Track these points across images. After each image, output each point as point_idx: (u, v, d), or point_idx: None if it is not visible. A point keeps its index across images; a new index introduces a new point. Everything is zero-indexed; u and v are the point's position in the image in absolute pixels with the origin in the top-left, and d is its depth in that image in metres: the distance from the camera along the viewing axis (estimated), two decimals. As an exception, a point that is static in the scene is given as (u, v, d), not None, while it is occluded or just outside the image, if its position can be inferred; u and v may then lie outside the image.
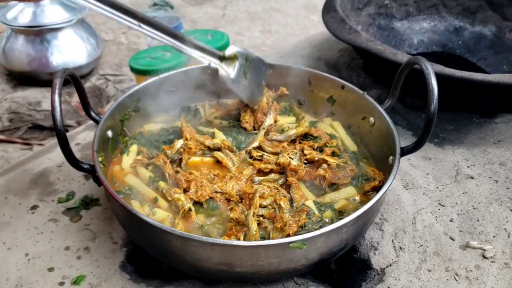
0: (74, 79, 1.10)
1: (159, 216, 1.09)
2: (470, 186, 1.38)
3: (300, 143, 1.30)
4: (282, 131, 1.34)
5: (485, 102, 1.61)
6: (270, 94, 1.45)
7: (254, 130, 1.37)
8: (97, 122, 1.21)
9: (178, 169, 1.21)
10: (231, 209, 1.11)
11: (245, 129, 1.37)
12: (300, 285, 1.10)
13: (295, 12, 4.04)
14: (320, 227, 1.07)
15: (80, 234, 1.21)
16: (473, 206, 1.31)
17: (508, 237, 1.22)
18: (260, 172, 1.22)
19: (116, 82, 2.97)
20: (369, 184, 1.19)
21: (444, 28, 2.05)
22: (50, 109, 0.94)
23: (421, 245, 1.20)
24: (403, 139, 1.52)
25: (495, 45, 1.96)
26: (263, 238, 1.05)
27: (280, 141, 1.30)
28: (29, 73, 2.71)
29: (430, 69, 1.06)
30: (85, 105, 1.20)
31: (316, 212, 1.11)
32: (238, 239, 1.03)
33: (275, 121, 1.37)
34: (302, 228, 1.06)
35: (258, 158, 1.25)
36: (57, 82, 0.96)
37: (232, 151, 1.27)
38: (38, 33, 2.61)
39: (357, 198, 1.19)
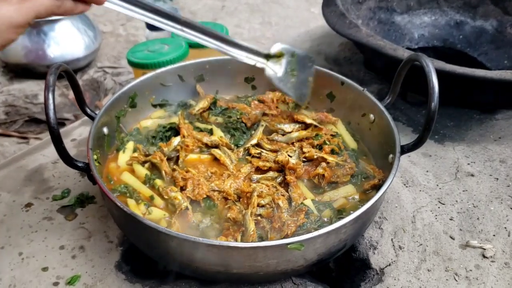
0: (68, 74, 1.07)
1: (155, 215, 1.08)
2: (471, 183, 1.36)
3: (299, 140, 1.28)
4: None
5: (486, 98, 1.60)
6: (290, 99, 1.43)
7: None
8: (92, 118, 1.19)
9: (175, 167, 1.19)
10: (229, 208, 1.09)
11: (245, 125, 1.34)
12: (298, 285, 1.08)
13: (295, 4, 4.02)
14: (319, 226, 1.06)
15: (75, 232, 1.19)
16: (473, 204, 1.30)
17: (508, 236, 1.21)
18: (259, 170, 1.21)
19: (114, 74, 2.95)
20: (368, 183, 1.18)
21: (445, 23, 2.03)
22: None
23: (421, 244, 1.18)
24: (403, 135, 1.50)
25: (496, 39, 1.94)
26: (261, 238, 1.03)
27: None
28: (26, 66, 2.69)
29: (431, 67, 1.04)
30: (80, 101, 1.18)
31: (315, 211, 1.09)
32: (236, 239, 1.01)
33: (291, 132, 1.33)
34: (300, 228, 1.04)
35: (257, 155, 1.23)
36: (51, 79, 0.94)
37: (230, 148, 1.26)
38: (34, 25, 2.58)
39: (357, 196, 1.17)
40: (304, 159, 1.22)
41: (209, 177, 1.17)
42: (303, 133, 1.29)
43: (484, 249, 1.17)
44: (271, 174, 1.19)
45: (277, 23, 3.70)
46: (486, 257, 1.15)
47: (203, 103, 1.37)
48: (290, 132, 1.30)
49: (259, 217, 1.07)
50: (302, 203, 1.10)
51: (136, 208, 1.09)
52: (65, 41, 2.68)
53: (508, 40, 1.91)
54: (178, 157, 1.22)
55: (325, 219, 1.09)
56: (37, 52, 2.65)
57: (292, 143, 1.27)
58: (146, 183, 1.17)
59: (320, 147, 1.25)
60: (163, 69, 1.37)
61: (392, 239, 1.19)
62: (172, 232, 0.91)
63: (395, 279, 1.10)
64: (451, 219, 1.25)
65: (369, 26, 1.91)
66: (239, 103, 1.43)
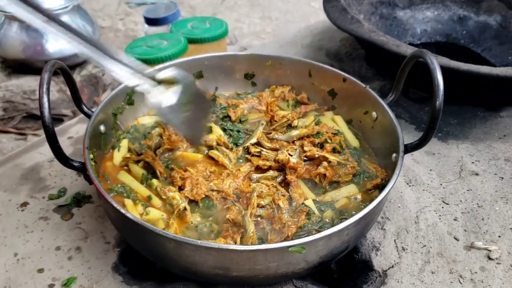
0: (64, 72, 1.05)
1: (153, 215, 1.05)
2: (475, 183, 1.34)
3: (300, 139, 1.25)
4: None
5: (491, 95, 1.57)
6: (291, 95, 1.42)
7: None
8: (89, 116, 1.16)
9: (173, 166, 1.16)
10: (228, 208, 1.07)
11: (229, 118, 1.33)
12: (299, 287, 1.06)
13: (295, -1, 3.97)
14: (321, 227, 1.03)
15: (72, 233, 1.17)
16: (477, 204, 1.27)
17: (514, 236, 1.19)
18: (258, 169, 1.18)
19: (113, 70, 2.91)
20: (371, 182, 1.15)
21: (448, 18, 1.99)
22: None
23: (424, 246, 1.16)
24: (406, 133, 1.48)
25: (500, 35, 1.91)
26: (260, 240, 1.01)
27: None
28: (24, 61, 2.66)
29: (436, 64, 1.01)
30: (76, 99, 1.15)
31: (316, 212, 1.06)
32: (235, 241, 0.99)
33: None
34: (301, 229, 1.02)
35: (256, 154, 1.21)
36: (45, 77, 0.91)
37: (227, 147, 1.23)
38: (32, 20, 2.55)
39: (359, 196, 1.14)
40: (305, 158, 1.20)
41: (208, 176, 1.14)
42: (304, 131, 1.26)
43: (490, 250, 1.15)
44: (271, 173, 1.17)
45: (277, 17, 3.66)
46: (492, 259, 1.13)
47: None
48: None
49: (259, 218, 1.05)
50: (303, 203, 1.08)
51: (133, 209, 1.06)
52: (64, 36, 2.65)
53: (512, 36, 1.88)
54: (167, 150, 1.21)
55: (327, 220, 1.06)
56: (35, 47, 2.61)
57: (293, 142, 1.25)
58: (143, 182, 1.14)
59: (321, 146, 1.22)
60: (161, 65, 1.34)
61: (395, 240, 1.17)
62: (169, 235, 0.88)
63: (398, 282, 1.07)
64: (455, 220, 1.23)
65: (370, 21, 1.88)
66: (239, 100, 1.40)
